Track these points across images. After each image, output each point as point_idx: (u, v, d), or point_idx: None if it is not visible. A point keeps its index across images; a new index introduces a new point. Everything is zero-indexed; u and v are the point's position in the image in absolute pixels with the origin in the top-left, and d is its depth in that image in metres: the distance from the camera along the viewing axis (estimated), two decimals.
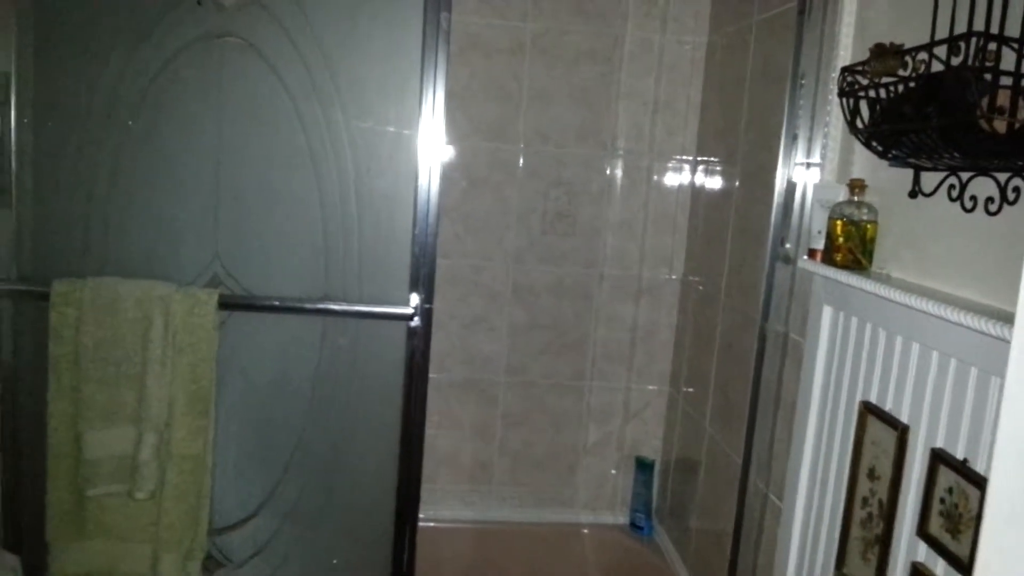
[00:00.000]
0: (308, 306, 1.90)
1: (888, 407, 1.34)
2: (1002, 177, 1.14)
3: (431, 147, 1.83)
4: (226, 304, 1.85)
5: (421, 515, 2.00)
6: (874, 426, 1.37)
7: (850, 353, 1.47)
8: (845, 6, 1.60)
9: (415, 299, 1.87)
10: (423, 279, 1.87)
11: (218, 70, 1.85)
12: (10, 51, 1.78)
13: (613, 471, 2.76)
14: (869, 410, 1.38)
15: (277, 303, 1.89)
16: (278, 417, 1.96)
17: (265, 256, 1.91)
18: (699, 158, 2.58)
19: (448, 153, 2.53)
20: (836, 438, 1.50)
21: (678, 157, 2.62)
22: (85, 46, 1.83)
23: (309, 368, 1.95)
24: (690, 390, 2.51)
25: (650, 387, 2.72)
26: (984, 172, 1.18)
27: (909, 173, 1.37)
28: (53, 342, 1.78)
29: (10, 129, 1.80)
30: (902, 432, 1.28)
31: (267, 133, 1.87)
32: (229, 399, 1.93)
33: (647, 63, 2.56)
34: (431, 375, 2.42)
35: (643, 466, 2.71)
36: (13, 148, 1.81)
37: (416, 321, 1.87)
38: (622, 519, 2.76)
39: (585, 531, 2.72)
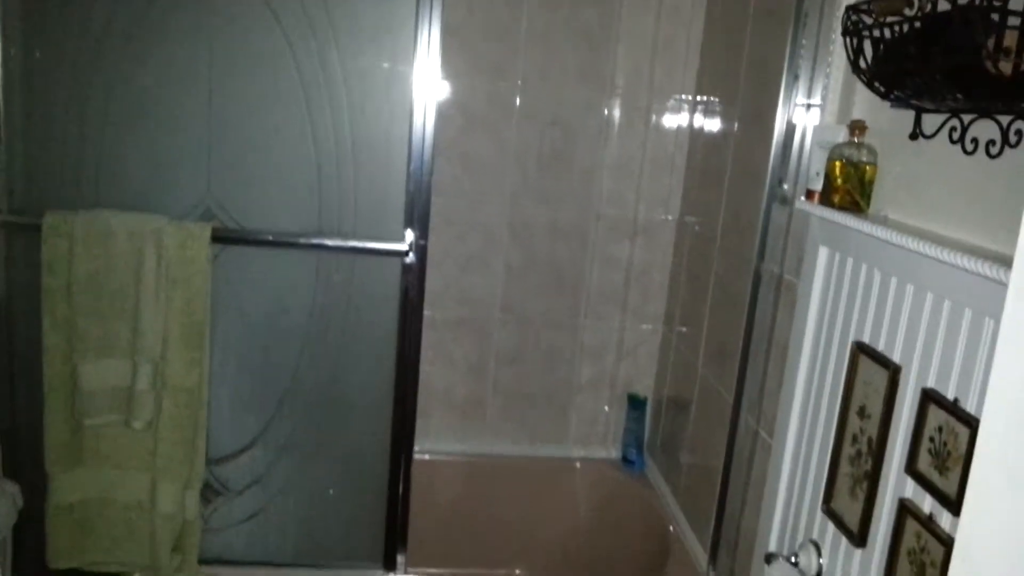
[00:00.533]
0: (302, 241, 1.90)
1: (881, 347, 1.35)
2: (1004, 120, 1.14)
3: (426, 84, 1.80)
4: (219, 238, 1.84)
5: (416, 448, 2.03)
6: (866, 366, 1.39)
7: (844, 294, 1.48)
8: None
9: (410, 236, 1.87)
10: (418, 216, 1.87)
11: (211, 2, 1.81)
12: None
13: (606, 408, 2.79)
14: (861, 350, 1.40)
15: (271, 237, 1.89)
16: (273, 351, 1.98)
17: (258, 191, 1.90)
18: (698, 99, 2.55)
19: (444, 90, 2.50)
20: (828, 377, 1.53)
21: (677, 97, 2.59)
22: None
23: (304, 303, 1.96)
24: (683, 330, 2.53)
25: (644, 326, 2.74)
26: (986, 115, 1.17)
27: (910, 115, 1.36)
28: (46, 274, 1.78)
29: None
30: (894, 372, 1.30)
31: (260, 67, 1.84)
32: (224, 333, 1.94)
33: (647, 3, 2.52)
34: (426, 312, 2.44)
35: (635, 403, 2.75)
36: (2, 81, 1.78)
37: (411, 257, 1.88)
38: (614, 454, 2.81)
39: (577, 465, 2.77)
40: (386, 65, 1.85)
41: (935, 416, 1.19)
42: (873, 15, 1.30)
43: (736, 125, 2.20)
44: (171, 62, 1.83)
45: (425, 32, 1.78)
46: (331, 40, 1.83)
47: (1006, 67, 1.03)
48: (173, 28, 1.81)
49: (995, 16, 1.04)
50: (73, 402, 1.82)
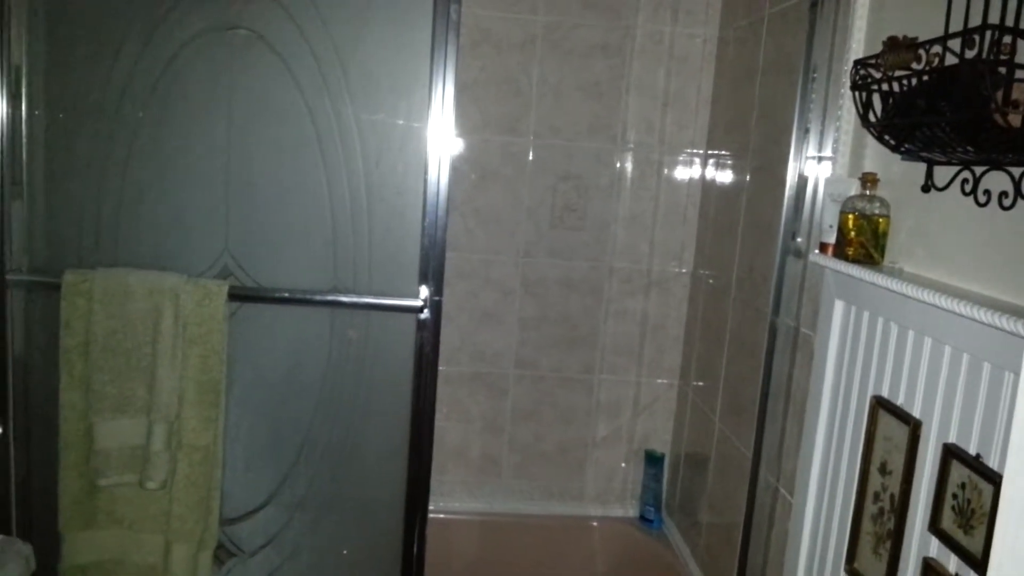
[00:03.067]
0: (318, 298, 1.91)
1: (900, 402, 1.33)
2: (1016, 171, 1.14)
3: (441, 140, 1.82)
4: (236, 295, 1.85)
5: (431, 507, 2.01)
6: (886, 421, 1.36)
7: (862, 347, 1.46)
8: None
9: (424, 291, 1.87)
10: (432, 271, 1.87)
11: (228, 62, 1.85)
12: (21, 44, 1.79)
13: (623, 464, 2.76)
14: (881, 405, 1.38)
15: (287, 294, 1.90)
16: (288, 408, 1.97)
17: (275, 248, 1.91)
18: (710, 151, 2.57)
19: (458, 146, 2.53)
20: (847, 433, 1.50)
21: (688, 150, 2.61)
22: (96, 38, 1.83)
23: (319, 359, 1.96)
24: (700, 384, 2.51)
25: (660, 381, 2.72)
26: (998, 166, 1.17)
27: (922, 167, 1.36)
28: (64, 332, 1.80)
29: (21, 121, 1.81)
30: (914, 427, 1.28)
31: (277, 125, 1.87)
32: (239, 390, 1.93)
33: (658, 56, 2.55)
34: (441, 368, 2.43)
35: (653, 459, 2.71)
36: (25, 140, 1.82)
37: (425, 313, 1.88)
38: (632, 512, 2.76)
39: (594, 524, 2.72)
40: (401, 121, 1.88)
41: (958, 472, 1.17)
42: (881, 69, 1.31)
43: (748, 178, 2.21)
44: (190, 121, 1.86)
45: (439, 88, 1.81)
46: (346, 97, 1.86)
47: (1015, 119, 1.03)
48: (192, 88, 1.85)
49: (1002, 69, 1.05)
50: (88, 461, 1.82)
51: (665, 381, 2.72)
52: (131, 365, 1.81)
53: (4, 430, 1.86)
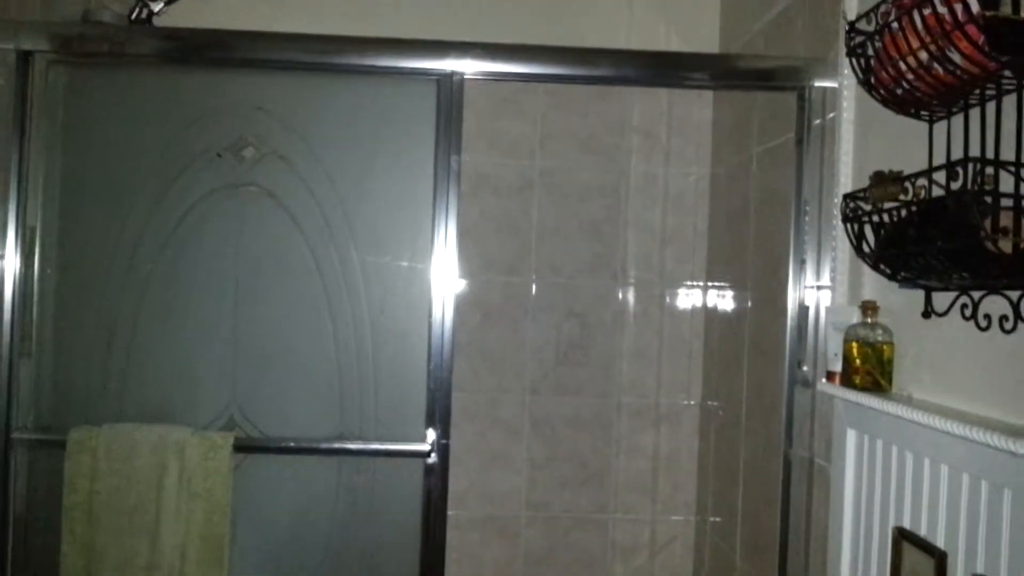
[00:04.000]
0: (324, 446, 1.89)
1: (923, 532, 1.29)
2: (1014, 295, 1.15)
3: (444, 283, 1.86)
4: (241, 447, 1.84)
5: None
6: (910, 553, 1.32)
7: (879, 477, 1.44)
8: (842, 135, 1.65)
9: (431, 435, 1.85)
10: (439, 414, 1.86)
11: (237, 218, 1.91)
12: (37, 205, 1.85)
13: None
14: (904, 536, 1.34)
15: (292, 444, 1.88)
16: (294, 561, 1.91)
17: (281, 398, 1.91)
18: (710, 284, 2.61)
19: (461, 287, 2.57)
20: (872, 567, 1.45)
21: (689, 283, 2.64)
22: (109, 198, 1.90)
23: (326, 508, 1.92)
24: (717, 519, 2.44)
25: (675, 518, 2.64)
26: (994, 291, 1.18)
27: (920, 293, 1.38)
28: (67, 492, 1.77)
29: (34, 280, 1.85)
30: (940, 559, 1.24)
31: (283, 276, 1.91)
32: (245, 542, 1.89)
33: (652, 195, 2.63)
34: (449, 512, 2.37)
35: None
36: (36, 298, 1.86)
37: (433, 458, 1.85)
38: None
39: None
40: (404, 264, 1.92)
41: None
42: (870, 202, 1.35)
43: (749, 308, 2.23)
44: (199, 274, 1.90)
45: (442, 233, 1.85)
46: (351, 245, 1.91)
47: (1006, 245, 1.06)
48: (201, 243, 1.90)
49: (988, 198, 1.08)
50: None
51: (681, 518, 2.64)
52: (134, 522, 1.78)
53: None
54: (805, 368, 1.81)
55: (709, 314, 2.61)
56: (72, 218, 1.89)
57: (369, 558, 1.92)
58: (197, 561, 1.78)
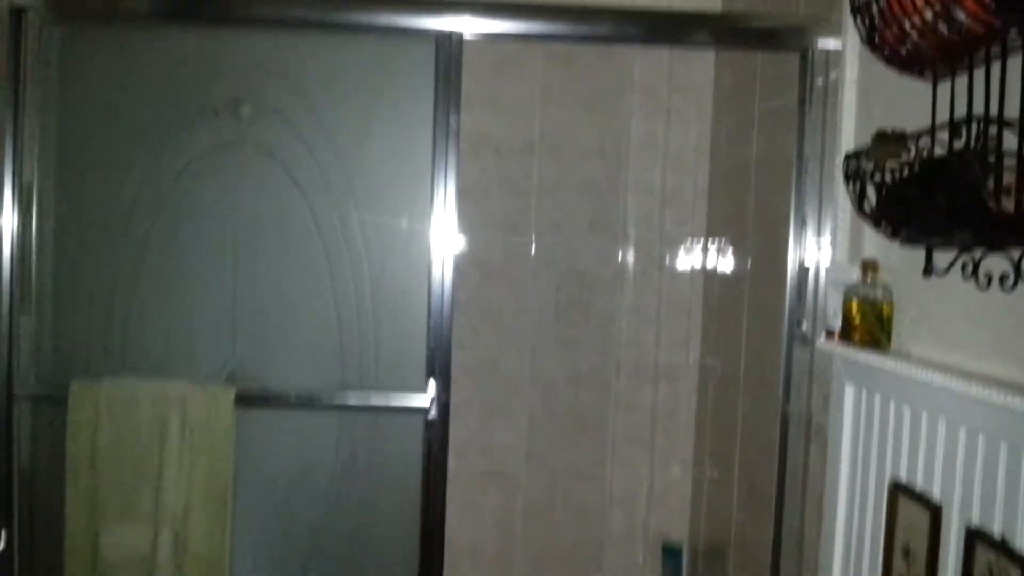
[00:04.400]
0: (325, 401, 1.91)
1: (919, 486, 1.32)
2: (1015, 253, 1.16)
3: (444, 240, 1.86)
4: (243, 400, 1.85)
5: None
6: (906, 506, 1.35)
7: (876, 432, 1.46)
8: (845, 95, 1.65)
9: (432, 391, 1.87)
10: (439, 371, 1.88)
11: (235, 175, 1.91)
12: (34, 162, 1.85)
13: (640, 561, 2.69)
14: (900, 490, 1.37)
15: (294, 398, 1.90)
16: (296, 512, 1.95)
17: (281, 352, 1.93)
18: (710, 243, 2.61)
19: (461, 246, 2.57)
20: (868, 519, 1.48)
21: (689, 243, 2.65)
22: (106, 156, 1.89)
23: (327, 461, 1.95)
24: (714, 474, 2.48)
25: (673, 471, 2.69)
26: (996, 249, 1.19)
27: (921, 252, 1.38)
28: (70, 444, 1.79)
29: (32, 237, 1.85)
30: (935, 511, 1.26)
31: (282, 231, 1.91)
32: (247, 495, 1.91)
33: (653, 155, 2.63)
34: (450, 466, 2.41)
35: (671, 553, 2.65)
36: (34, 256, 1.86)
37: (433, 413, 1.87)
38: None
39: None
40: (404, 223, 1.92)
41: (984, 556, 1.15)
42: (872, 161, 1.35)
43: (749, 267, 2.24)
44: (197, 229, 1.90)
45: (441, 191, 1.85)
46: (350, 203, 1.91)
47: (1008, 204, 1.06)
48: (199, 200, 1.90)
49: (991, 158, 1.08)
50: (94, 572, 1.79)
51: (678, 471, 2.69)
52: (137, 474, 1.80)
53: (9, 541, 1.84)
54: (804, 326, 1.82)
55: (708, 273, 2.62)
56: (69, 175, 1.89)
57: (370, 510, 1.96)
58: (201, 512, 1.81)
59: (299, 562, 1.94)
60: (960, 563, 1.20)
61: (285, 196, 1.91)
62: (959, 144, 1.12)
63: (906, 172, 1.28)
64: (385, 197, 1.93)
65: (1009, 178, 1.07)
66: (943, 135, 1.19)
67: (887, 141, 1.31)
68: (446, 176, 1.85)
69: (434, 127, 1.85)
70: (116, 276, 1.89)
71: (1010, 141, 1.09)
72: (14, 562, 1.85)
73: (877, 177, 1.34)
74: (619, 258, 2.64)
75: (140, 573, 1.80)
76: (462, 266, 2.57)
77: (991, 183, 1.07)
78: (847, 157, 1.43)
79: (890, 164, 1.31)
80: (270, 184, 1.91)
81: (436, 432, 1.88)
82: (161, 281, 1.90)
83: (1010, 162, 1.07)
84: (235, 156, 1.90)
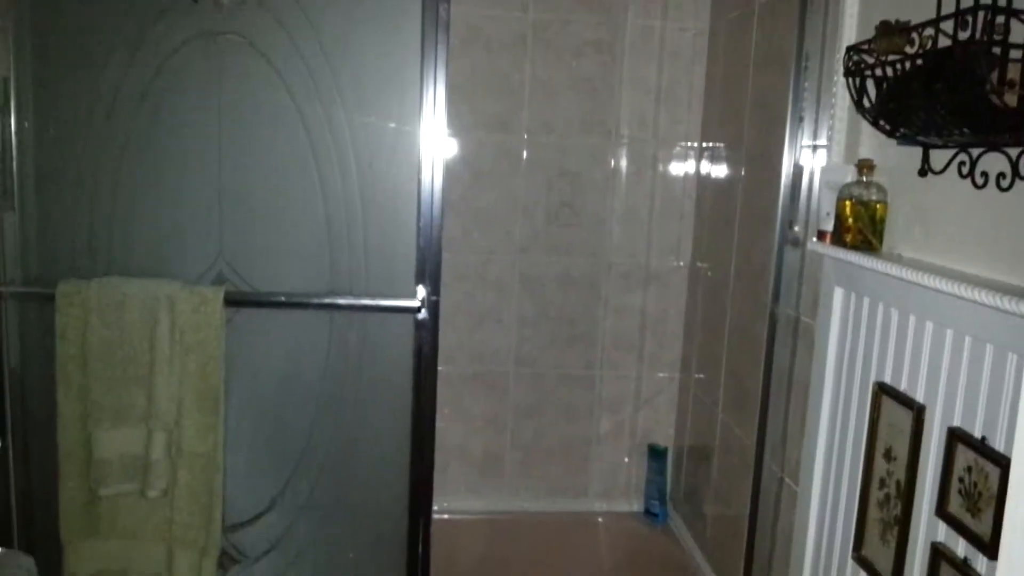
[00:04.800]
0: (314, 301, 1.90)
1: (903, 387, 1.33)
2: (1013, 152, 1.13)
3: (433, 140, 1.82)
4: (232, 301, 1.84)
5: (434, 507, 2.00)
6: (889, 407, 1.36)
7: (863, 334, 1.46)
8: None
9: (422, 292, 1.86)
10: (429, 272, 1.86)
11: (217, 68, 1.84)
12: (8, 55, 1.78)
13: (626, 459, 2.75)
14: (884, 391, 1.37)
15: (283, 298, 1.89)
16: (288, 413, 1.96)
17: (269, 253, 1.90)
18: (704, 144, 2.57)
19: (452, 146, 2.52)
20: (851, 420, 1.49)
21: (683, 144, 2.60)
22: (83, 47, 1.82)
23: (318, 363, 1.95)
24: (701, 376, 2.50)
25: (661, 375, 2.71)
26: (995, 147, 1.16)
27: (918, 151, 1.35)
28: (60, 343, 1.78)
29: (11, 133, 1.80)
30: (918, 412, 1.27)
31: (268, 130, 1.86)
32: (238, 396, 1.92)
33: (649, 51, 2.55)
34: (440, 368, 2.42)
35: (656, 453, 2.70)
36: (14, 151, 1.81)
37: (423, 313, 1.87)
38: (636, 507, 2.75)
39: (599, 520, 2.71)
40: (393, 123, 1.87)
41: (963, 456, 1.16)
42: (874, 54, 1.30)
43: (743, 169, 2.20)
44: (180, 127, 1.85)
45: (431, 88, 1.80)
46: (337, 100, 1.85)
47: (1011, 99, 1.03)
48: (182, 94, 1.84)
49: (996, 50, 1.04)
50: (88, 471, 1.81)
51: (666, 375, 2.71)
52: (128, 374, 1.80)
53: (3, 442, 1.85)
54: (796, 228, 1.80)
55: (702, 175, 2.58)
56: (46, 68, 1.82)
57: (362, 410, 1.97)
58: (193, 411, 1.82)
59: (291, 461, 1.97)
60: (940, 463, 1.22)
61: (270, 91, 1.84)
62: (965, 35, 1.07)
63: (908, 66, 1.23)
64: (373, 93, 1.87)
65: (1014, 71, 1.03)
66: (948, 27, 1.14)
67: (890, 32, 1.26)
68: (436, 71, 1.79)
69: (423, 17, 1.78)
70: (98, 173, 1.84)
71: (1018, 32, 1.05)
72: (9, 462, 1.87)
73: (879, 71, 1.30)
74: (612, 158, 2.60)
75: (134, 472, 1.82)
76: (452, 166, 2.52)
77: (995, 76, 1.03)
78: (848, 50, 1.38)
79: (892, 57, 1.26)
80: (254, 78, 1.84)
81: (426, 332, 1.88)
82: (145, 178, 1.86)
83: (1016, 54, 1.03)
84: (216, 47, 1.83)
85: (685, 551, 2.49)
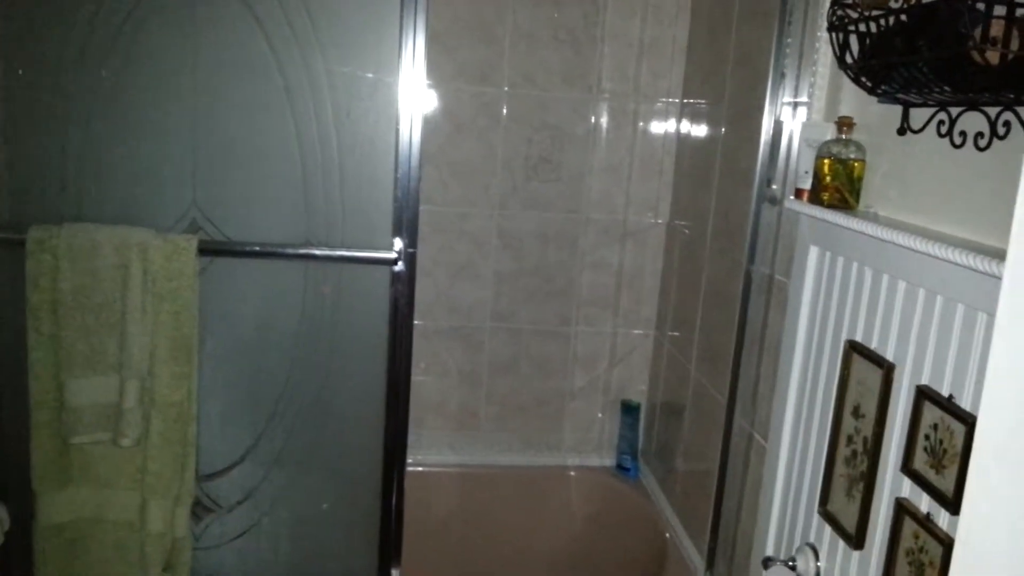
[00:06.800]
0: (290, 251, 1.88)
1: (874, 345, 1.34)
2: (992, 112, 1.13)
3: (412, 91, 1.79)
4: (206, 250, 1.82)
5: (409, 460, 2.01)
6: (859, 365, 1.37)
7: (836, 293, 1.47)
8: None
9: (398, 244, 1.85)
10: (406, 224, 1.84)
11: (192, 11, 1.79)
12: None
13: (599, 415, 2.77)
14: (854, 349, 1.39)
15: (258, 248, 1.87)
16: (263, 363, 1.95)
17: (244, 201, 1.88)
18: (686, 101, 2.55)
19: (431, 97, 2.48)
20: (821, 377, 1.51)
21: (664, 100, 2.58)
22: None
23: (293, 314, 1.94)
24: (676, 334, 2.52)
25: (636, 331, 2.73)
26: (974, 107, 1.16)
27: (898, 110, 1.35)
28: (31, 290, 1.76)
29: None
30: (887, 370, 1.29)
31: (244, 76, 1.82)
32: (212, 346, 1.91)
33: (632, 4, 2.51)
34: (417, 322, 2.42)
35: (629, 409, 2.73)
36: None
37: (400, 266, 1.85)
38: (609, 461, 2.79)
39: (572, 473, 2.74)
40: (371, 73, 1.84)
41: (930, 414, 1.18)
42: (858, 9, 1.29)
43: (723, 127, 2.19)
44: (154, 73, 1.81)
45: (410, 38, 1.76)
46: (315, 48, 1.82)
47: (993, 57, 1.02)
48: (155, 39, 1.79)
49: (981, 6, 1.03)
50: (60, 420, 1.80)
51: (641, 331, 2.73)
52: (100, 322, 1.78)
53: None
54: (775, 187, 1.80)
55: (682, 132, 2.57)
56: (17, 11, 1.76)
57: (338, 361, 1.96)
58: (166, 360, 1.80)
59: (266, 411, 1.96)
60: (907, 421, 1.24)
61: (246, 36, 1.80)
62: None
63: (891, 21, 1.22)
64: (352, 40, 1.83)
65: (997, 29, 1.02)
66: None
67: None
68: (416, 20, 1.75)
69: None
70: (72, 119, 1.80)
71: None
72: None
73: (862, 27, 1.29)
74: (593, 112, 2.57)
75: (107, 421, 1.81)
76: (431, 117, 2.49)
77: (978, 33, 1.02)
78: (833, 4, 1.37)
79: (876, 12, 1.25)
80: (230, 22, 1.80)
81: (402, 284, 1.87)
82: (119, 125, 1.82)
83: (1000, 11, 1.02)
84: None
85: (655, 505, 2.53)
